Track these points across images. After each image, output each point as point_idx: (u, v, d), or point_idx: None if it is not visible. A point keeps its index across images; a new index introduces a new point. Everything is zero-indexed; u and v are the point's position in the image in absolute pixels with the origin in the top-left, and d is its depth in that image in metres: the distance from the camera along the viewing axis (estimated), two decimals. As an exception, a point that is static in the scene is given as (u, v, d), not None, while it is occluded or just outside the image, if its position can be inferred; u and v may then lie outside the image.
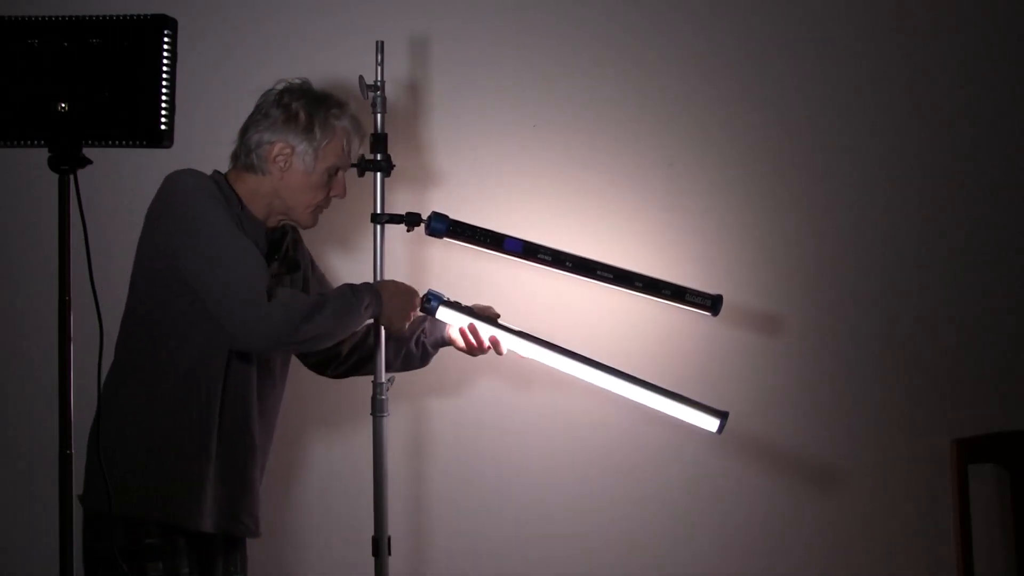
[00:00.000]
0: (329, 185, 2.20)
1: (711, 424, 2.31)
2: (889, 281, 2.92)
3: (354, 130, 2.22)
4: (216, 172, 2.19)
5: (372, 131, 2.32)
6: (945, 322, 2.94)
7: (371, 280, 2.29)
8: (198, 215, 2.03)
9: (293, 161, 2.15)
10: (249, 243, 2.05)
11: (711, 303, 2.33)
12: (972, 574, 2.48)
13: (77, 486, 2.00)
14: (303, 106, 2.16)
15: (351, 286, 2.15)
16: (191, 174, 2.10)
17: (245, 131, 2.18)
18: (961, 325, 2.94)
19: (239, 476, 2.17)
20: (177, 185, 2.07)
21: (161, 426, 2.08)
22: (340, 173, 2.22)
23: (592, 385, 2.40)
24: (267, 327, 1.99)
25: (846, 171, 2.90)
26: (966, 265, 2.93)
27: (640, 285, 2.35)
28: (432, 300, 2.31)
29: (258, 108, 2.19)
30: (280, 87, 2.20)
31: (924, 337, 2.93)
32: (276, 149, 2.15)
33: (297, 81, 2.21)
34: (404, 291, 2.24)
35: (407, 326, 2.25)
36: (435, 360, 2.46)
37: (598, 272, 2.34)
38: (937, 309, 2.93)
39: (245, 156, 2.17)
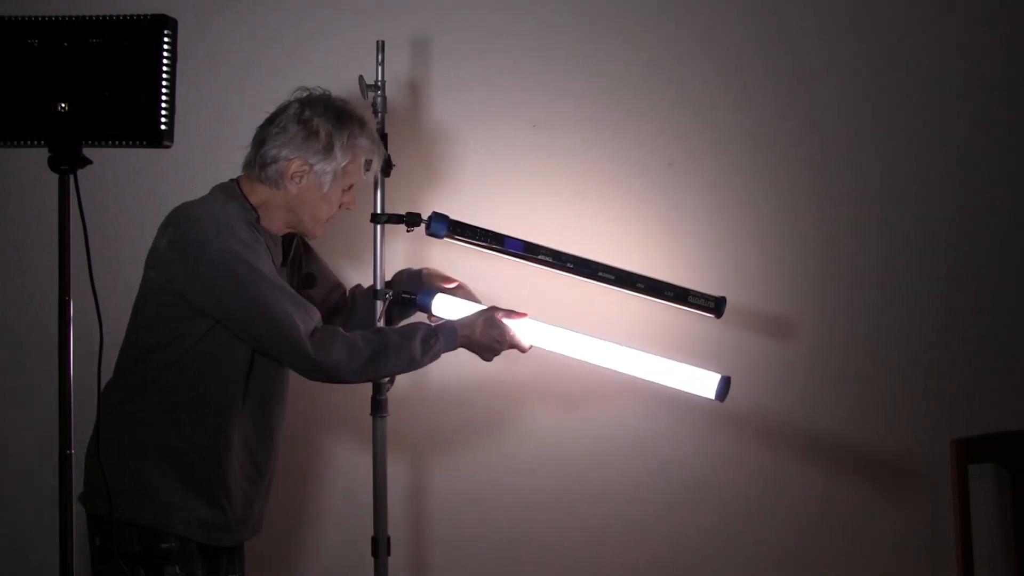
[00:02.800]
0: (341, 199, 2.19)
1: (710, 384, 2.23)
2: (890, 281, 2.92)
3: (374, 149, 2.19)
4: (232, 182, 2.16)
5: (372, 131, 2.31)
6: (945, 322, 2.93)
7: (375, 280, 2.29)
8: (241, 278, 2.02)
9: (310, 178, 2.12)
10: (291, 294, 2.06)
11: (715, 305, 2.32)
12: (972, 574, 2.48)
13: (77, 487, 2.01)
14: (324, 124, 2.11)
15: (427, 331, 2.14)
16: (218, 226, 2.04)
17: (262, 143, 2.13)
18: (961, 325, 2.93)
19: (252, 491, 2.21)
20: (213, 247, 2.02)
21: (178, 444, 2.10)
22: (353, 187, 2.20)
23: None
24: (330, 376, 2.09)
25: (847, 172, 2.90)
26: (966, 265, 2.93)
27: (642, 287, 2.33)
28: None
29: (276, 119, 2.13)
30: (300, 97, 2.15)
31: (924, 337, 2.93)
32: (294, 166, 2.11)
33: (318, 91, 2.17)
34: (492, 335, 2.21)
35: (494, 357, 2.24)
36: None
37: (599, 273, 2.34)
38: (937, 309, 2.93)
39: (260, 169, 2.13)
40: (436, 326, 2.18)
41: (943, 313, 2.93)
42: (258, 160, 2.13)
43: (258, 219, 2.13)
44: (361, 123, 2.16)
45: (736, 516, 2.89)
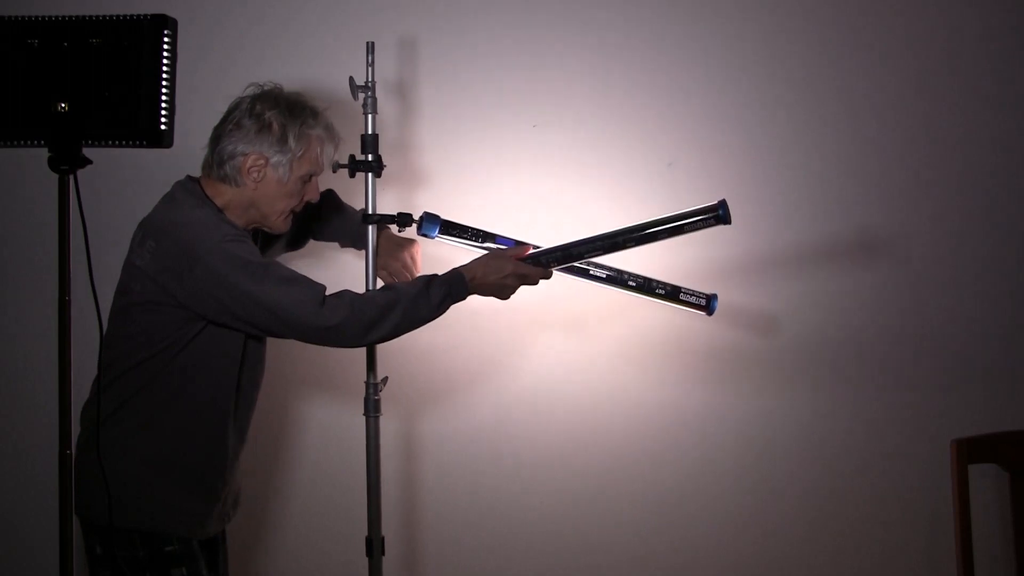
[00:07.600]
0: (303, 191, 2.19)
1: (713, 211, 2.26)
2: (889, 281, 2.91)
3: (328, 137, 2.19)
4: (188, 178, 2.16)
5: (362, 132, 2.31)
6: (945, 322, 2.93)
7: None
8: (237, 276, 2.02)
9: (267, 172, 2.13)
10: (288, 274, 2.07)
11: (706, 302, 2.35)
12: (972, 574, 2.47)
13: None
14: (276, 116, 2.12)
15: (429, 280, 2.14)
16: (203, 228, 2.05)
17: (217, 140, 2.14)
18: (961, 325, 2.93)
19: (235, 478, 2.25)
20: (205, 251, 2.03)
21: (176, 446, 2.12)
22: (314, 178, 2.21)
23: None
24: (339, 341, 2.10)
25: (846, 171, 2.90)
26: (965, 264, 2.93)
27: (634, 285, 2.35)
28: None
29: (229, 117, 2.15)
30: (251, 94, 2.17)
31: (924, 337, 2.93)
32: (250, 161, 2.12)
33: (268, 86, 2.19)
34: (500, 270, 2.19)
35: (512, 294, 2.23)
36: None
37: (591, 272, 2.35)
38: (937, 308, 2.93)
39: (218, 167, 2.13)
40: (441, 275, 2.17)
41: (944, 312, 2.93)
42: (215, 158, 2.14)
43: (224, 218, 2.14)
44: (314, 112, 2.17)
45: (730, 517, 2.89)
